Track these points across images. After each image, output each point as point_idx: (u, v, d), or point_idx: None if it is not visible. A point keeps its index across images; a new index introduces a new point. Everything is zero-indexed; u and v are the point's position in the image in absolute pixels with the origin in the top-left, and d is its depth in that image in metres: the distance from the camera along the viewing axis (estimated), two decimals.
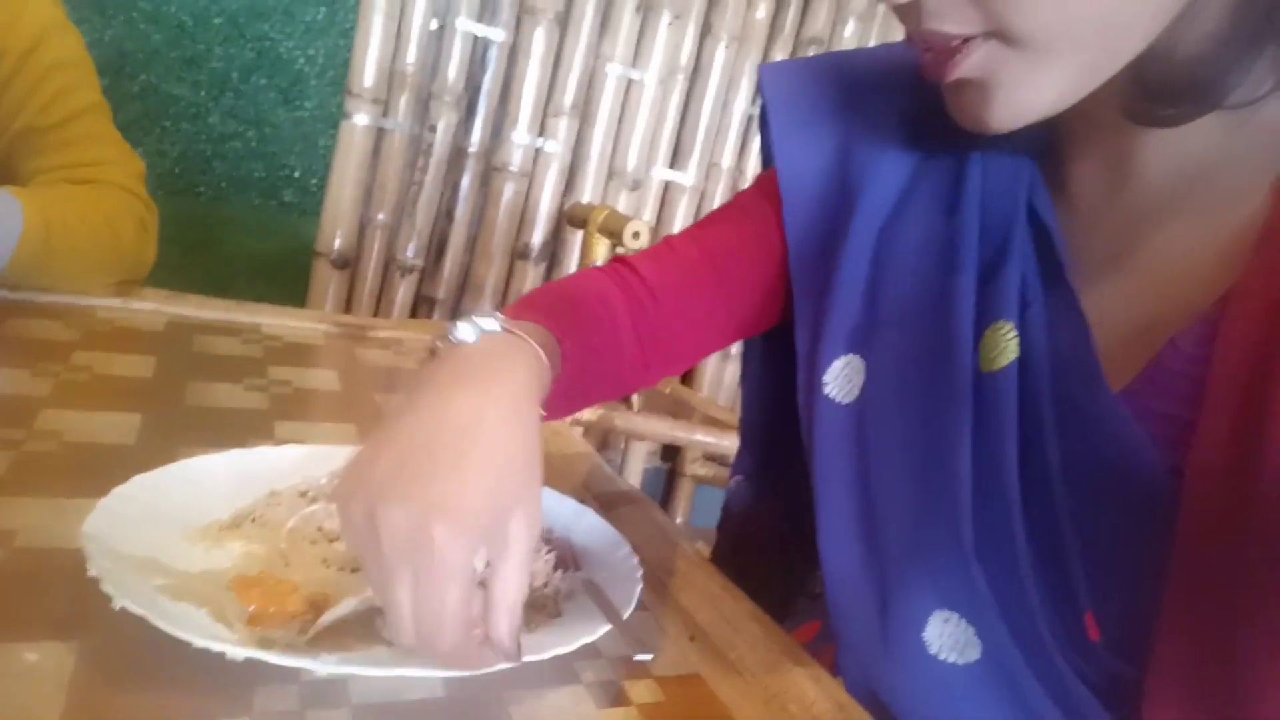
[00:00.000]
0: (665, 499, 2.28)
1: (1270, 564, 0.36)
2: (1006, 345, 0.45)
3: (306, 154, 1.84)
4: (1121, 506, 0.42)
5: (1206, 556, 0.38)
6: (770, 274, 0.58)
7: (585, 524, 0.51)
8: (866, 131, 0.55)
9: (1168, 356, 0.42)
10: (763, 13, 2.05)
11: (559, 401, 0.49)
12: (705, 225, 0.62)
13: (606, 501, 0.62)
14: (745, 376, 0.68)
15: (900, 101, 0.55)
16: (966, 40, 0.40)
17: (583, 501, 0.54)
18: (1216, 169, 0.42)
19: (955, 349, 0.46)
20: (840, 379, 0.51)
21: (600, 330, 0.54)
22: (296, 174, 1.84)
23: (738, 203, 0.61)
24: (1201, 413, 0.39)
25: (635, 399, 1.63)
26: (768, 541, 0.64)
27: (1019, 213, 0.48)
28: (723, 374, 2.26)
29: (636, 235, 1.48)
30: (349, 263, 1.90)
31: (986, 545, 0.44)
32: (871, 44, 2.17)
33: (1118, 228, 0.46)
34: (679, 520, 2.24)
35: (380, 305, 1.96)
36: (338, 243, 1.86)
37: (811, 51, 2.12)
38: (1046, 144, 0.49)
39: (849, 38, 2.14)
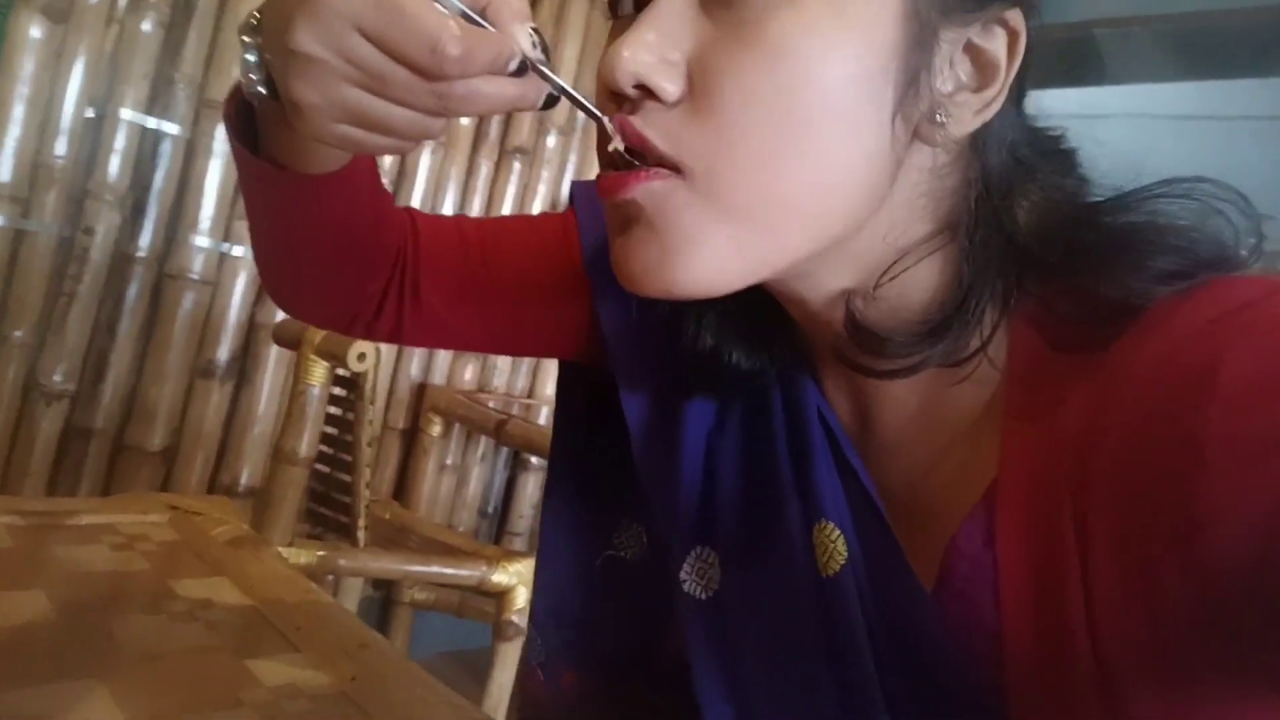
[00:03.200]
0: (382, 629, 2.08)
1: None
2: (835, 547, 0.44)
3: None
4: None
5: None
6: (549, 307, 0.58)
7: None
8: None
9: (953, 560, 0.41)
10: (466, 121, 2.03)
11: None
12: (500, 232, 0.61)
13: None
14: (544, 550, 0.63)
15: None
16: (656, 166, 0.38)
17: None
18: (946, 404, 0.43)
19: (793, 550, 0.45)
20: (695, 573, 0.49)
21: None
22: None
23: (538, 228, 0.60)
24: (1001, 620, 0.38)
25: (361, 534, 1.48)
26: None
27: (813, 417, 0.47)
28: (438, 488, 2.14)
29: (363, 358, 1.36)
30: None
31: None
32: (573, 157, 2.25)
33: (873, 446, 0.46)
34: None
35: (17, 441, 1.60)
36: None
37: (518, 162, 2.14)
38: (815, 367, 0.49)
39: (552, 148, 2.19)
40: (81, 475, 1.66)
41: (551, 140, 2.19)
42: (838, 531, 0.44)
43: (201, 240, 1.73)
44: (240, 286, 1.78)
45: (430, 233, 0.59)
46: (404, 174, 1.98)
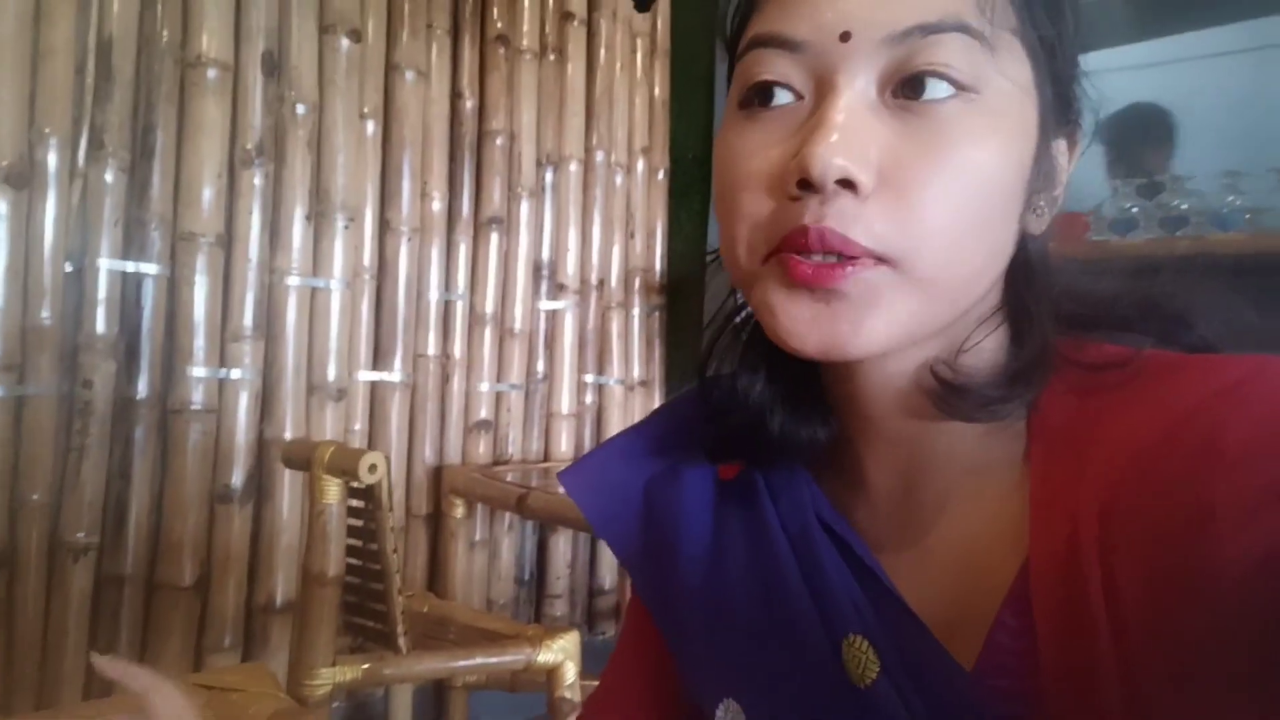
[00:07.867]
0: (438, 716, 2.08)
1: None
2: (866, 659, 0.45)
3: None
4: None
5: None
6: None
7: None
8: (665, 491, 0.56)
9: (999, 633, 0.43)
10: (438, 204, 2.05)
11: None
12: (618, 657, 0.63)
13: None
14: None
15: (678, 453, 0.57)
16: (857, 257, 0.41)
17: None
18: (985, 460, 0.47)
19: (823, 672, 0.46)
20: (728, 717, 0.50)
21: None
22: None
23: (628, 624, 0.62)
24: (1042, 685, 0.40)
25: (402, 640, 1.47)
26: None
27: (814, 526, 0.49)
28: (472, 565, 2.14)
29: (373, 469, 1.36)
30: None
31: None
32: (547, 219, 2.26)
33: (911, 516, 0.48)
34: None
35: (51, 602, 1.61)
36: None
37: (495, 233, 2.15)
38: (836, 446, 0.51)
39: (526, 215, 2.20)
40: (119, 624, 1.67)
41: (525, 206, 2.20)
42: (867, 643, 0.45)
43: (198, 371, 1.74)
44: (243, 408, 1.79)
45: None
46: (384, 266, 1.99)
